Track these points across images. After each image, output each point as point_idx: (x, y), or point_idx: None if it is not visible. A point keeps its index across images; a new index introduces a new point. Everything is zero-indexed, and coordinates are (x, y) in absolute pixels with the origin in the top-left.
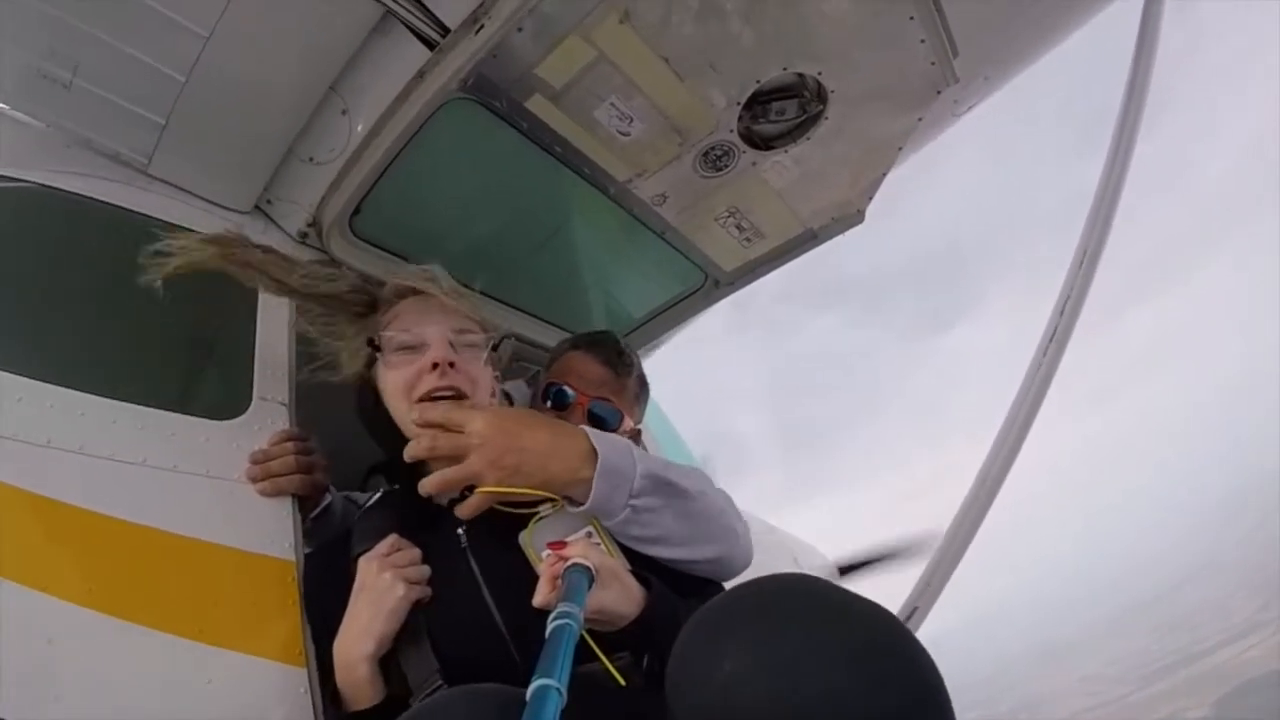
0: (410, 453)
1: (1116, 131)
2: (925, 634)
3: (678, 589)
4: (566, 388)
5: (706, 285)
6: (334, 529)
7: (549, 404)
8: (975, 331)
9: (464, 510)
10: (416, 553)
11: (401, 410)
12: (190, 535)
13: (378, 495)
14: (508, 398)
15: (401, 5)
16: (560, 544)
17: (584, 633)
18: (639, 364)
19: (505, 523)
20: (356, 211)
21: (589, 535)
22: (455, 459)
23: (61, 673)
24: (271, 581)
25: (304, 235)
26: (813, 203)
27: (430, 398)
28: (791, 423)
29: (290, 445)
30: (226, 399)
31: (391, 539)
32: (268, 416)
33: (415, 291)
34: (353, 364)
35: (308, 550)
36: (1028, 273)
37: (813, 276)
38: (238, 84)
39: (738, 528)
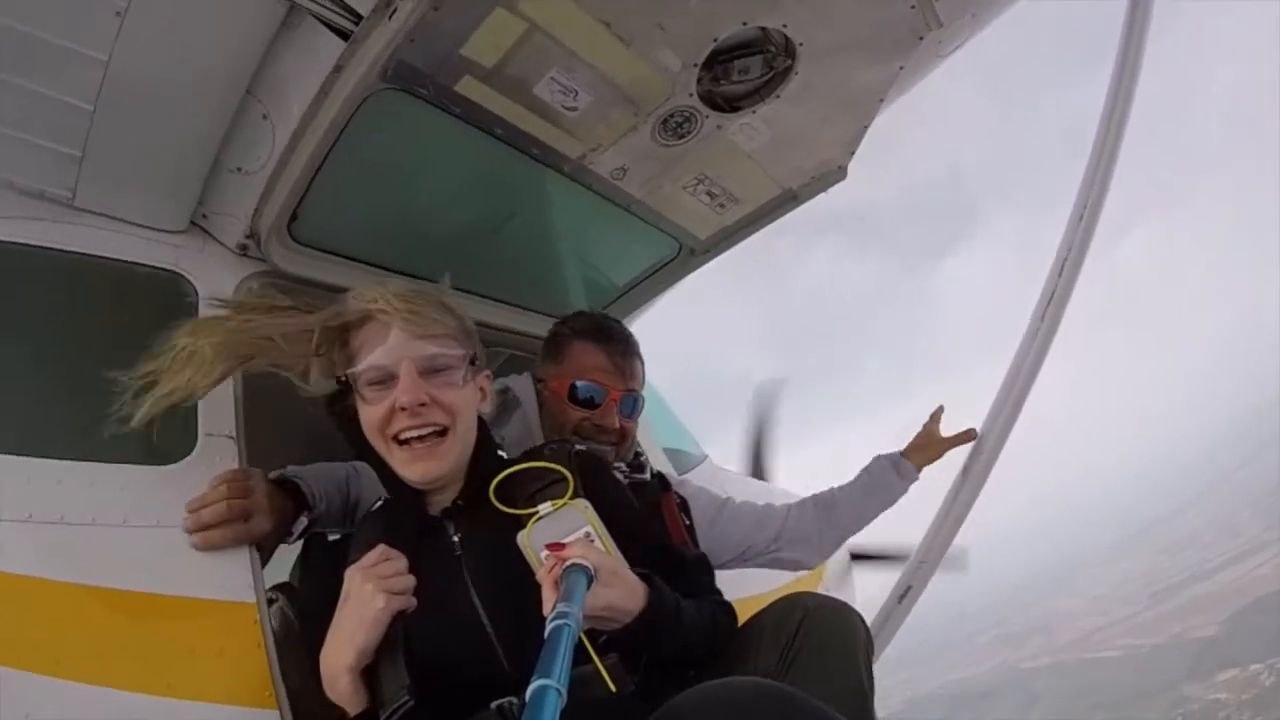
0: None
1: (1119, 62)
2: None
3: (675, 586)
4: (595, 386)
5: (682, 254)
6: (335, 519)
7: (576, 403)
8: (974, 259)
9: None
10: (403, 563)
11: (380, 447)
12: (149, 591)
13: (379, 504)
14: (507, 393)
15: None
16: (559, 545)
17: (581, 634)
18: (635, 339)
19: (501, 528)
20: (294, 217)
21: (587, 535)
22: None
23: None
24: (234, 627)
25: (244, 247)
26: (789, 163)
27: (408, 438)
28: (793, 359)
29: (224, 490)
30: (171, 441)
31: (379, 549)
32: (215, 454)
33: (375, 313)
34: (321, 386)
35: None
36: (1030, 195)
37: (811, 209)
38: (149, 103)
39: None
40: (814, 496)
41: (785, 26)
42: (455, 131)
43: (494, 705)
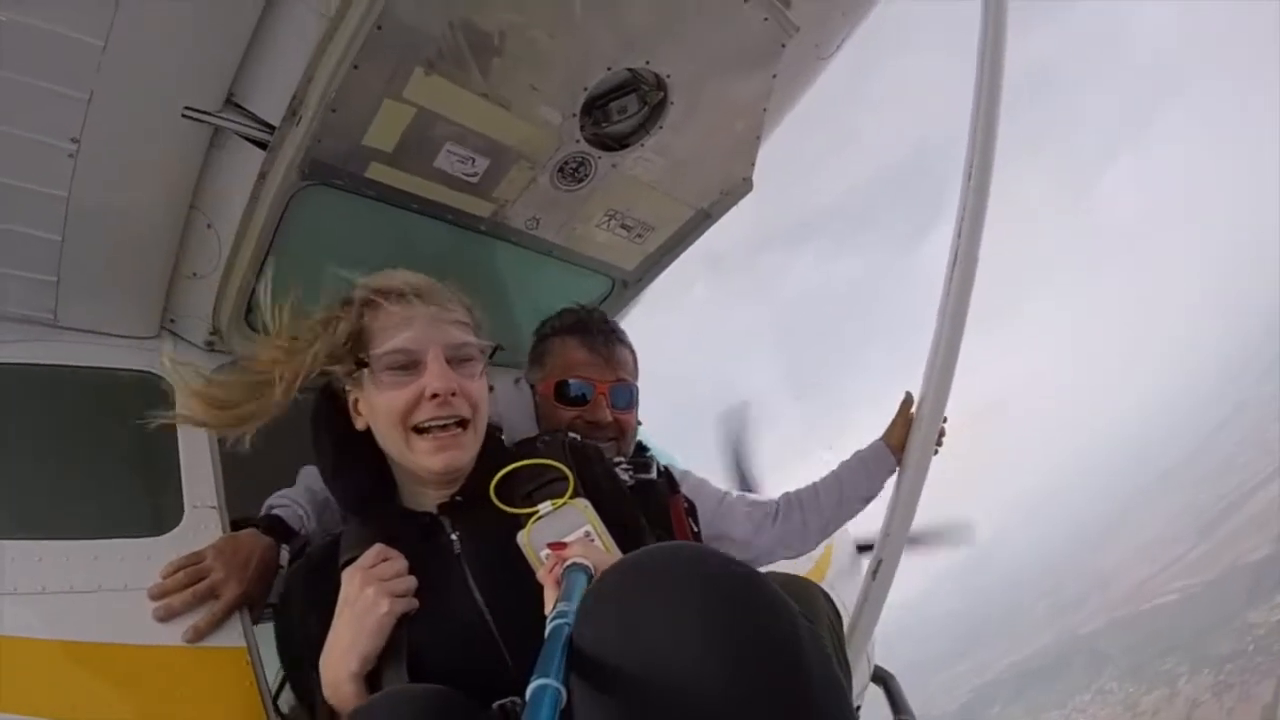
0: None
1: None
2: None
3: None
4: (581, 382)
5: (616, 288)
6: (335, 522)
7: (564, 403)
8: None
9: None
10: (403, 563)
11: (396, 437)
12: (150, 644)
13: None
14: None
15: (225, 118)
16: (560, 545)
17: None
18: (620, 327)
19: (499, 526)
20: (250, 309)
21: (587, 534)
22: None
23: None
24: (227, 671)
25: (210, 343)
26: (692, 185)
27: (430, 427)
28: (798, 365)
29: (182, 578)
30: (162, 514)
31: (376, 549)
32: (200, 523)
33: (396, 294)
34: (341, 369)
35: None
36: (1003, 145)
37: (792, 217)
38: (109, 228)
39: None
40: (797, 492)
41: (649, 63)
42: (376, 212)
43: (496, 705)
